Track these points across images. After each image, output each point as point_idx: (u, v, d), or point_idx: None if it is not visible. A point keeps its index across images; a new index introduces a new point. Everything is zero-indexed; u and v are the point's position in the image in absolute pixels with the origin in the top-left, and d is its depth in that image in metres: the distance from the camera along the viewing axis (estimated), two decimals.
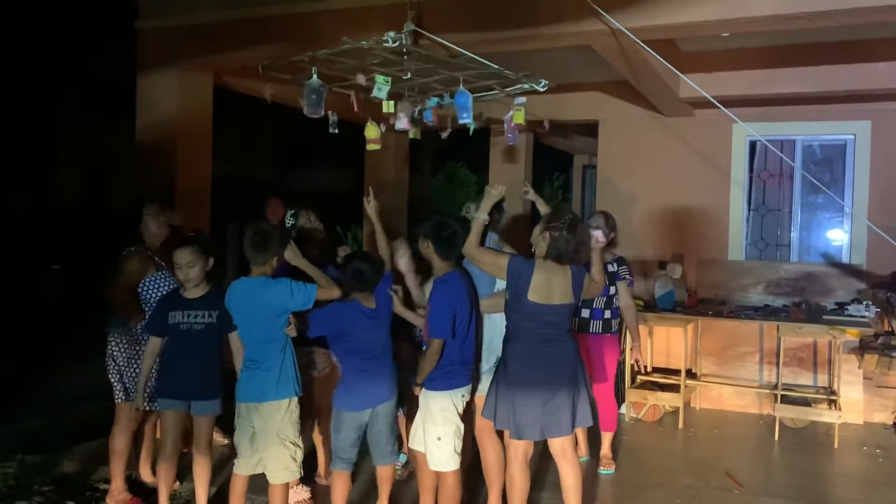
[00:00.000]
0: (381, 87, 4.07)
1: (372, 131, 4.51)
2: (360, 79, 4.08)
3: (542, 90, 4.44)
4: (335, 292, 3.72)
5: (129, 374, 4.13)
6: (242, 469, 3.74)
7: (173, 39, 5.37)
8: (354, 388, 3.77)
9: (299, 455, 3.74)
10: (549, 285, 3.52)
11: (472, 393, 3.87)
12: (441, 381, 3.66)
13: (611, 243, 4.73)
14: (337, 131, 4.37)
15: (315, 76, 4.08)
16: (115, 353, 4.16)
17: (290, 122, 5.14)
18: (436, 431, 3.67)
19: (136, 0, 5.56)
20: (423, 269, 4.15)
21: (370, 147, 4.54)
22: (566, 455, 3.69)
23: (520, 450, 3.67)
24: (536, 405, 3.52)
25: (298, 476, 3.80)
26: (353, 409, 3.77)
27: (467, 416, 3.85)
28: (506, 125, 4.64)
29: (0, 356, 7.53)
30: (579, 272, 3.66)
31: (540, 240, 3.58)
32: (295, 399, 3.71)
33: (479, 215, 3.66)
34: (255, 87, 6.17)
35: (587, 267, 3.79)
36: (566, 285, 3.57)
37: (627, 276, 4.81)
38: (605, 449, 4.87)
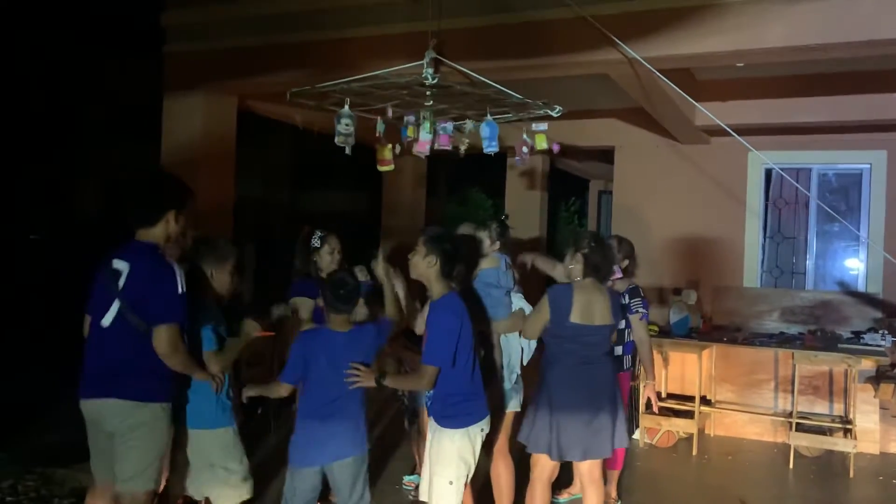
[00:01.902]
0: (426, 122, 4.18)
1: (385, 152, 4.57)
2: (389, 111, 4.17)
3: (555, 116, 4.52)
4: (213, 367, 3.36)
5: None
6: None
7: (199, 64, 5.51)
8: (309, 435, 3.32)
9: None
10: (589, 306, 3.58)
11: (500, 411, 3.85)
12: (458, 419, 3.32)
13: (625, 271, 4.51)
14: (350, 153, 4.41)
15: (347, 107, 4.14)
16: None
17: (309, 144, 5.24)
18: (448, 474, 3.29)
19: (164, 26, 5.73)
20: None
21: (382, 168, 4.59)
22: (593, 477, 3.73)
23: (546, 469, 3.69)
24: (580, 426, 3.54)
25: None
26: (305, 463, 3.32)
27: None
28: (516, 147, 4.71)
29: (21, 371, 7.65)
30: (615, 296, 3.75)
31: (573, 263, 3.66)
32: (220, 430, 3.48)
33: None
34: (277, 111, 6.31)
35: None
36: (606, 306, 3.63)
37: (641, 310, 4.44)
38: (611, 488, 4.55)
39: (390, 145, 4.51)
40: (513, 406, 4.00)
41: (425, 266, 3.36)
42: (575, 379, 3.58)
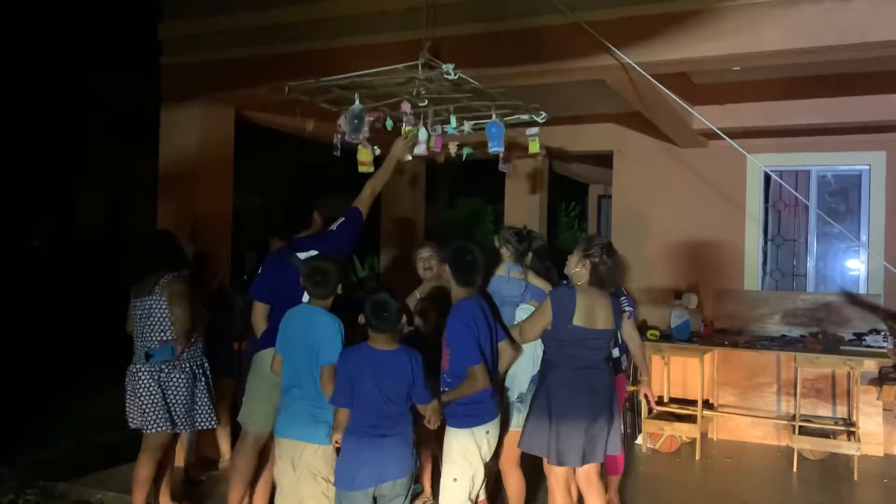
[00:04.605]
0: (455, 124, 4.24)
1: (364, 154, 4.56)
2: (406, 107, 4.17)
3: (541, 121, 4.51)
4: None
5: (177, 402, 4.17)
6: None
7: (196, 75, 5.51)
8: (358, 457, 3.27)
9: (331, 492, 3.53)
10: (592, 310, 3.60)
11: (504, 426, 3.78)
12: (463, 419, 3.51)
13: None
14: (339, 154, 4.45)
15: (357, 101, 4.13)
16: (163, 382, 4.16)
17: (305, 152, 5.23)
18: (452, 471, 3.51)
19: (160, 38, 5.73)
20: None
21: (362, 169, 4.58)
22: (591, 482, 3.73)
23: (561, 477, 3.67)
24: (580, 431, 3.55)
25: None
26: (354, 486, 3.26)
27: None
28: (502, 153, 4.69)
29: (24, 384, 7.65)
30: (615, 301, 3.78)
31: (579, 268, 3.66)
32: (327, 446, 3.51)
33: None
34: (274, 120, 6.31)
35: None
36: (608, 311, 3.66)
37: (627, 308, 4.47)
38: (612, 493, 4.52)
39: (369, 147, 4.49)
40: (514, 425, 3.88)
41: (446, 274, 3.71)
42: (575, 384, 3.58)
